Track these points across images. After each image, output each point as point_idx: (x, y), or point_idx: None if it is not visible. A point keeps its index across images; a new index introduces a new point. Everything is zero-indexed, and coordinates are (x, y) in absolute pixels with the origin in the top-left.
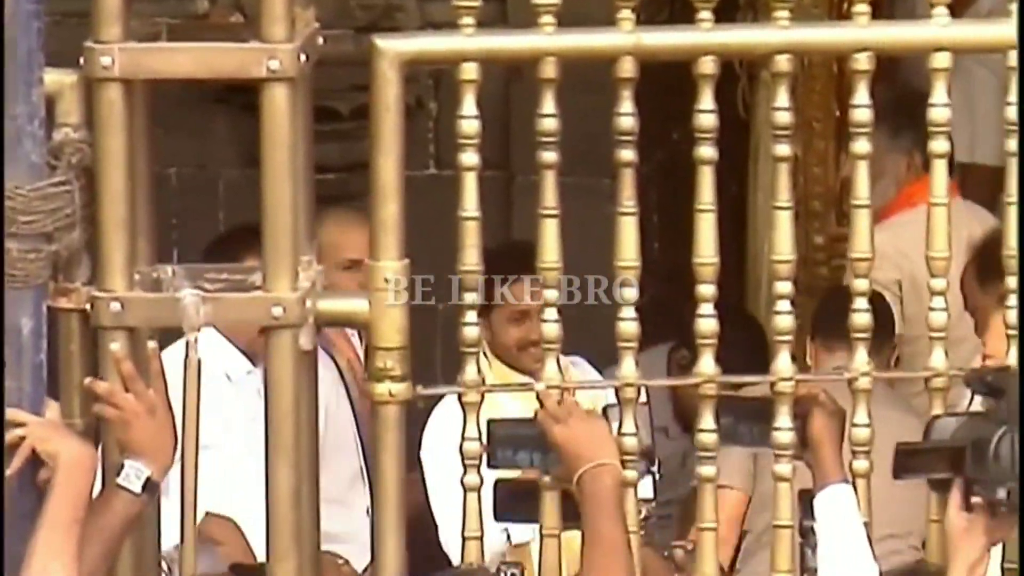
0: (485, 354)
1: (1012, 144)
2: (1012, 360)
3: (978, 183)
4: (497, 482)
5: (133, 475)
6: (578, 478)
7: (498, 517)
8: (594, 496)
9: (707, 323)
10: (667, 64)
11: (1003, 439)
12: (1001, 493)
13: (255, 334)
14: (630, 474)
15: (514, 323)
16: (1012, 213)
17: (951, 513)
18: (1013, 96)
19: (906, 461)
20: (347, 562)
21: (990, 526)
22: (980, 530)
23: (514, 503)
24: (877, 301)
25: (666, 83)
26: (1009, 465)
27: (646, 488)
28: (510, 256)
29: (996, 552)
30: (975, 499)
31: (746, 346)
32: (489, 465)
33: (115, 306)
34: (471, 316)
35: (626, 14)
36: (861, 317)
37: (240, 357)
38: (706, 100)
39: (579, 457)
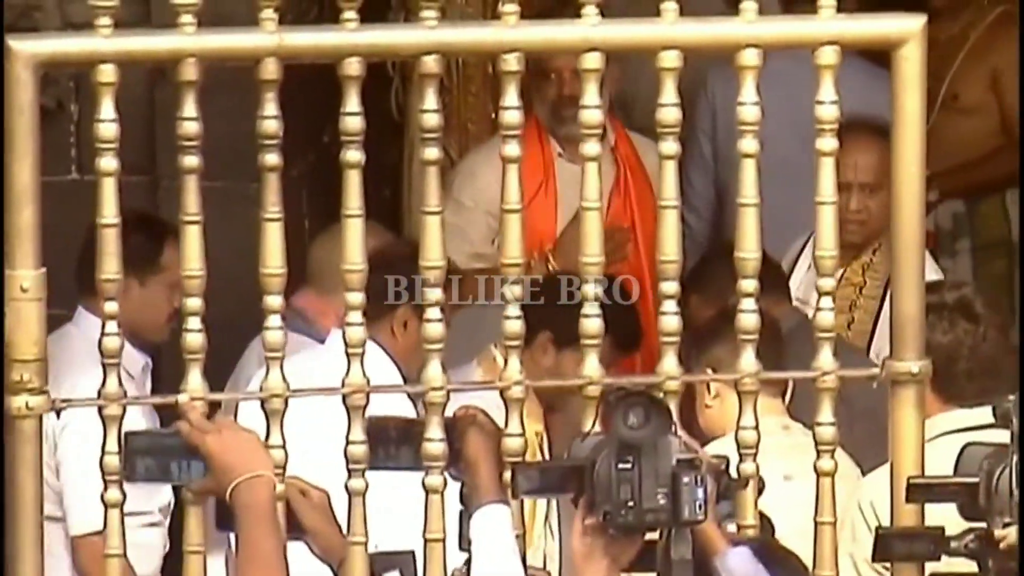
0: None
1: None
2: (668, 369)
3: None
4: None
5: None
6: (232, 489)
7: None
8: (250, 508)
9: (355, 332)
10: (318, 64)
11: (604, 459)
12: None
13: None
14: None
15: None
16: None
17: (573, 536)
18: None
19: (528, 481)
20: None
21: (610, 548)
22: (600, 553)
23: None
24: None
25: (316, 83)
26: (607, 485)
27: None
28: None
29: None
30: (590, 521)
31: None
32: (127, 479)
33: None
34: (111, 326)
35: (268, 14)
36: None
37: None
38: (352, 102)
39: (232, 468)
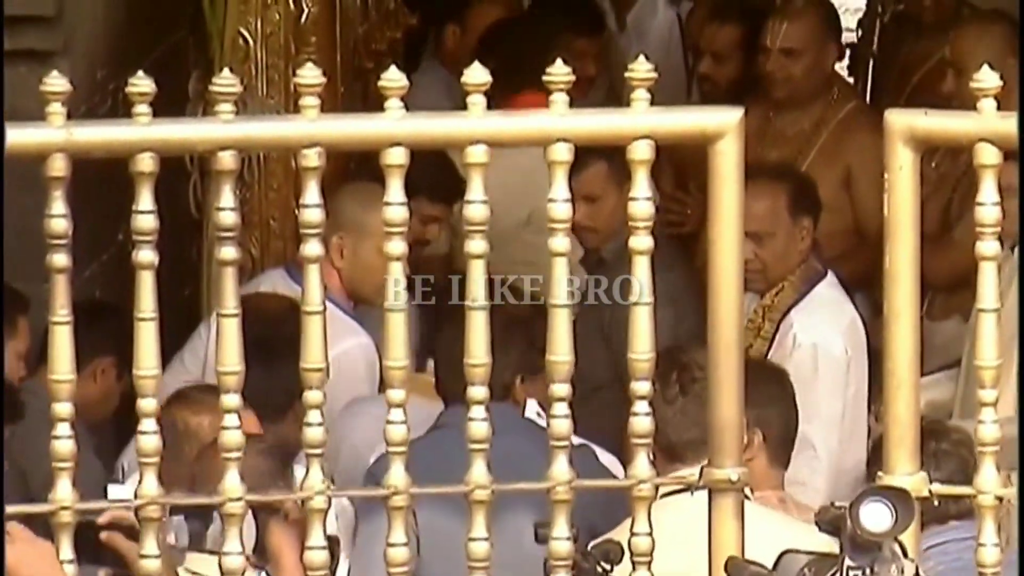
0: None
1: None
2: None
3: None
4: None
5: None
6: None
7: None
8: None
9: (148, 440)
10: (110, 160)
11: None
12: None
13: None
14: None
15: None
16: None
17: None
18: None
19: None
20: None
21: None
22: None
23: None
24: None
25: (110, 178)
26: None
27: None
28: None
29: None
30: None
31: None
32: None
33: None
34: None
35: (56, 108)
36: None
37: None
38: (145, 200)
39: None
